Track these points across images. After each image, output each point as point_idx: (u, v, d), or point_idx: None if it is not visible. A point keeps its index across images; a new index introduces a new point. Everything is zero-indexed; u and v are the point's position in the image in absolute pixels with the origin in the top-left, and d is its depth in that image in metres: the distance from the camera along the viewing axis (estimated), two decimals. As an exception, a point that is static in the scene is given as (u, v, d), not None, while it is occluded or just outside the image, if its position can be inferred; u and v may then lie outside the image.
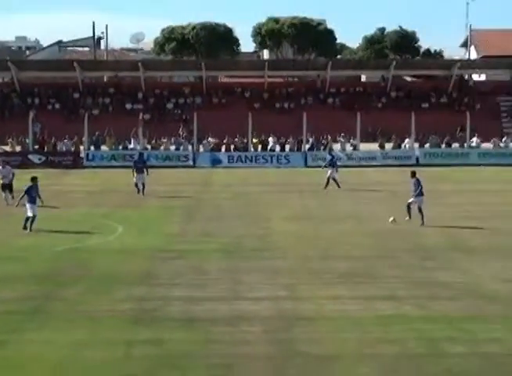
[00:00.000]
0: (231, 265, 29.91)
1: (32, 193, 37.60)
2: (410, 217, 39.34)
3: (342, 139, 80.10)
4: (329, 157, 57.14)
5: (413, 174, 39.93)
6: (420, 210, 38.94)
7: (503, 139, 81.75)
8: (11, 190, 46.54)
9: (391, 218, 39.55)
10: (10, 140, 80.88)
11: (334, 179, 54.36)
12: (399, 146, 79.75)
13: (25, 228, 37.02)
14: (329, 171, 54.67)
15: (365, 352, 19.50)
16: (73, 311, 23.45)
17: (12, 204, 44.17)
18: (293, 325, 21.87)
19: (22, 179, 39.21)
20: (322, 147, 77.59)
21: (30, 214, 37.14)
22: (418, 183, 39.57)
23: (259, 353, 19.49)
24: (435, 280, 27.34)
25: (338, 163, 57.91)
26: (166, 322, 22.28)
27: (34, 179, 38.44)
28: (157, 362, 18.86)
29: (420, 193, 39.26)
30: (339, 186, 53.64)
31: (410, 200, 39.35)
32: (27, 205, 37.47)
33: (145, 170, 51.95)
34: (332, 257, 31.35)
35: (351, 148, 79.10)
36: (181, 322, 22.25)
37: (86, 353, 19.54)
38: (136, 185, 51.37)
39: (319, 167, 65.91)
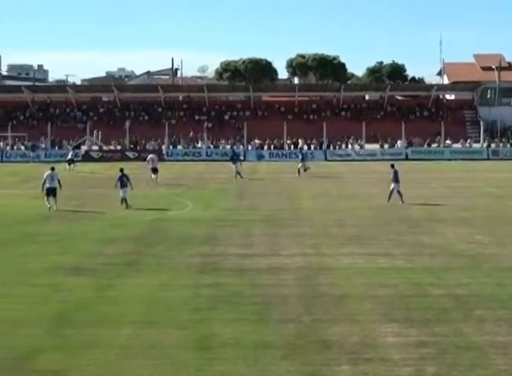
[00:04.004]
0: (270, 230, 29.70)
1: (122, 180, 36.86)
2: (402, 200, 37.50)
3: (352, 141, 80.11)
4: (300, 154, 58.67)
5: (392, 166, 38.99)
6: (398, 192, 37.99)
7: (467, 141, 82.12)
8: (157, 172, 49.48)
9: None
10: (113, 141, 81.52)
11: (299, 169, 54.81)
12: (393, 146, 79.49)
13: (122, 205, 36.47)
14: (300, 164, 55.34)
15: (369, 294, 19.29)
16: (158, 263, 23.43)
17: (156, 183, 48.08)
18: (317, 274, 21.68)
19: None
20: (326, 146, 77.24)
21: (121, 195, 36.75)
22: (396, 173, 38.23)
23: (292, 294, 19.33)
24: (419, 241, 27.04)
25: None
26: (223, 271, 22.17)
27: (121, 170, 37.48)
28: (217, 299, 18.75)
29: (397, 180, 38.24)
30: (299, 174, 54.20)
31: (392, 187, 38.26)
32: (120, 189, 36.80)
33: (238, 162, 53.60)
34: (344, 225, 31.11)
35: (359, 147, 78.96)
36: (234, 271, 22.13)
37: (167, 293, 19.51)
38: (238, 172, 52.13)
39: (335, 161, 66.13)
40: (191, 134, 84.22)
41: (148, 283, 20.66)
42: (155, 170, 49.83)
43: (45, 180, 36.22)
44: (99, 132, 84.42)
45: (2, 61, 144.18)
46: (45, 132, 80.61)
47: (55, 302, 18.63)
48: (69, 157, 63.64)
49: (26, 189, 44.49)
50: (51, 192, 35.91)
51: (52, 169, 36.91)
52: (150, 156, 52.25)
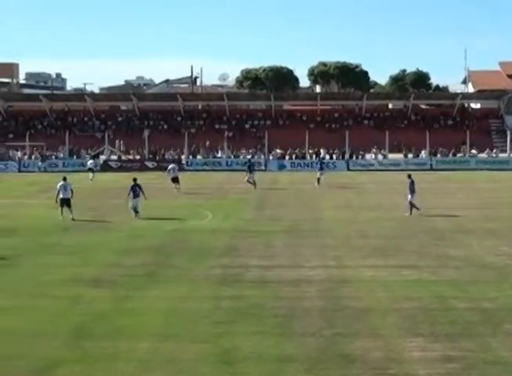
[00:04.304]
0: (292, 242, 29.72)
1: (135, 190, 37.04)
2: (411, 212, 37.24)
3: (374, 151, 79.89)
4: (319, 164, 59.43)
5: (409, 176, 38.52)
6: (412, 203, 37.51)
7: (494, 151, 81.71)
8: (178, 182, 50.42)
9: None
10: (132, 151, 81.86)
11: (318, 178, 55.43)
12: (417, 156, 79.25)
13: (136, 216, 36.74)
14: (319, 173, 56.18)
15: (393, 307, 19.23)
16: (177, 274, 23.47)
17: (178, 192, 49.39)
18: (340, 286, 21.66)
19: (141, 179, 39.30)
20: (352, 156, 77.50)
21: (133, 205, 36.88)
22: (412, 183, 37.76)
23: (314, 307, 19.31)
24: (444, 253, 26.93)
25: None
26: (245, 283, 22.20)
27: (135, 180, 37.61)
28: (238, 312, 18.77)
29: (413, 191, 37.70)
30: (318, 184, 54.74)
31: (409, 198, 37.92)
32: (132, 200, 37.02)
33: (254, 171, 54.42)
34: (367, 236, 31.03)
35: (382, 157, 78.76)
36: (256, 283, 22.14)
37: (187, 305, 19.54)
38: (249, 181, 53.17)
39: (358, 170, 66.31)
40: (207, 143, 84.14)
41: (167, 295, 20.69)
42: (175, 179, 50.22)
43: (59, 191, 36.63)
44: (121, 142, 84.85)
45: (20, 69, 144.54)
46: (63, 141, 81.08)
47: (73, 314, 18.71)
48: (88, 166, 64.90)
49: (45, 199, 44.50)
50: (65, 202, 36.38)
51: (65, 179, 37.32)
52: (171, 165, 53.10)
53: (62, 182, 36.94)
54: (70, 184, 37.37)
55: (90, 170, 63.94)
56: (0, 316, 18.72)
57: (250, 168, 54.56)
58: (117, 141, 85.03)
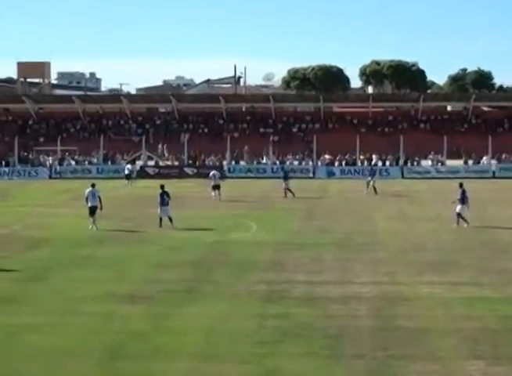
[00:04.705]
0: (342, 255, 29.67)
1: (163, 198, 37.17)
2: (467, 222, 36.98)
3: (431, 157, 79.41)
4: (369, 168, 61.56)
5: (461, 185, 38.37)
6: (460, 215, 37.25)
7: None
8: (219, 189, 50.87)
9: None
10: (170, 156, 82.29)
11: (373, 186, 55.70)
12: (479, 162, 78.59)
13: (160, 226, 36.94)
14: (369, 178, 57.05)
15: (452, 327, 19.12)
16: (218, 290, 23.54)
17: (219, 200, 49.43)
18: (393, 304, 21.59)
19: (179, 186, 39.57)
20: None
21: (160, 214, 37.07)
22: (464, 193, 37.69)
23: (366, 326, 19.29)
24: (508, 268, 26.68)
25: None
26: (291, 300, 22.21)
27: (162, 187, 37.72)
28: (284, 331, 18.79)
29: (464, 201, 37.47)
30: (373, 191, 55.03)
31: (458, 209, 37.67)
32: (160, 207, 37.17)
33: (289, 179, 54.55)
34: (423, 249, 30.87)
35: (440, 164, 78.26)
36: (303, 300, 22.15)
37: (229, 324, 19.61)
38: (285, 190, 53.27)
39: (413, 178, 66.11)
40: (245, 148, 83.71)
41: (207, 312, 20.77)
42: (217, 187, 50.38)
43: (87, 198, 37.18)
44: (164, 146, 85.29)
45: (52, 68, 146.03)
46: (98, 146, 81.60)
47: (107, 332, 18.86)
48: (126, 172, 65.85)
49: (78, 208, 44.74)
50: (94, 210, 36.78)
51: (93, 186, 37.80)
52: (213, 172, 53.26)
53: (90, 189, 37.46)
54: (99, 191, 37.80)
55: (127, 176, 64.86)
56: (30, 333, 18.91)
57: (285, 175, 54.51)
58: (159, 145, 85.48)
